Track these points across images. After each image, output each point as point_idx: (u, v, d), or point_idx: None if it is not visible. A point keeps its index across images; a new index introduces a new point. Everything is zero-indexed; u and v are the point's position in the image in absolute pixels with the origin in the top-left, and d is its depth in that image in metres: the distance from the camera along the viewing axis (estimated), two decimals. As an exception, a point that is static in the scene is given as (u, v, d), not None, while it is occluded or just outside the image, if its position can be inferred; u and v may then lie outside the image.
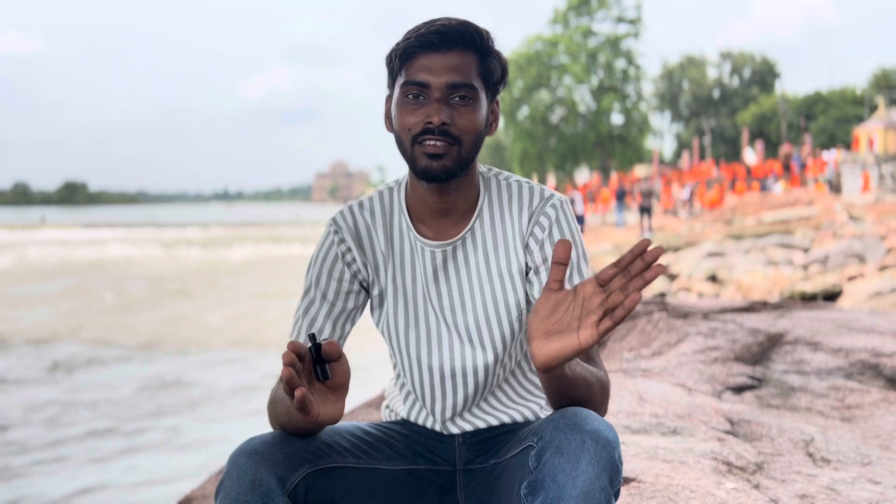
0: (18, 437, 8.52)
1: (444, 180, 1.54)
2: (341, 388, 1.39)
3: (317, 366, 1.38)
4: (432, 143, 1.50)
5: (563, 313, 1.32)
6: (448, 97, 1.51)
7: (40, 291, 22.31)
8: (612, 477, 1.35)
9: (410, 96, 1.52)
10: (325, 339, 1.39)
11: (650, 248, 1.26)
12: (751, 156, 41.42)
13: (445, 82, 1.51)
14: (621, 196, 30.23)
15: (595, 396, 1.48)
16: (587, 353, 1.53)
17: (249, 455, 1.42)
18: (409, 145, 1.54)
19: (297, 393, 1.29)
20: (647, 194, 25.69)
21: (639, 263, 1.27)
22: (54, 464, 7.64)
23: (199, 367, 12.11)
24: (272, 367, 11.77)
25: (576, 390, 1.44)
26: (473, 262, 1.63)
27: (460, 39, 1.52)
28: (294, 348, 1.32)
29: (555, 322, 1.32)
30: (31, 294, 21.69)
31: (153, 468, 7.45)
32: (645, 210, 25.52)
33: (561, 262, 1.33)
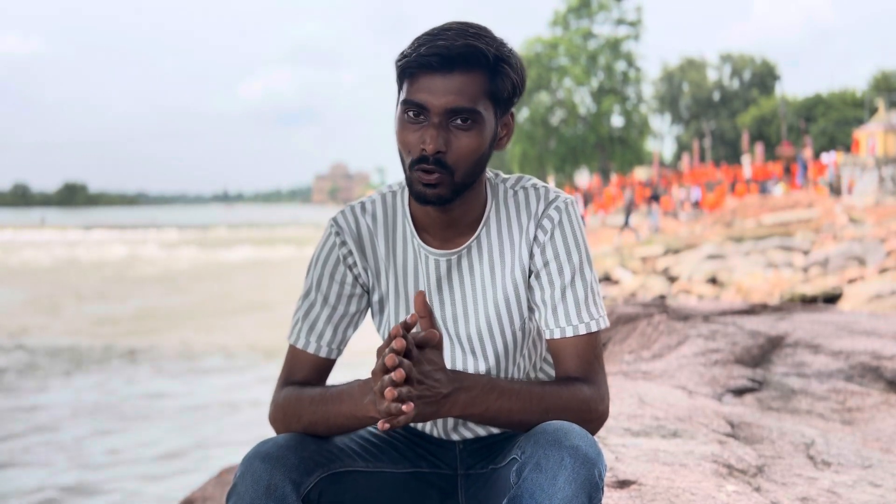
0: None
1: (439, 205, 1.49)
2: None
3: None
4: (425, 174, 1.45)
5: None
6: (447, 121, 1.44)
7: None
8: (592, 494, 1.33)
9: (410, 114, 1.45)
10: (418, 333, 1.41)
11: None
12: (747, 166, 41.24)
13: (444, 106, 1.42)
14: (656, 198, 29.87)
15: (542, 414, 1.45)
16: (567, 364, 1.52)
17: (264, 459, 1.41)
18: (407, 166, 1.49)
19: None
20: (629, 202, 26.39)
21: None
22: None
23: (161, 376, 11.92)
24: (242, 377, 11.61)
25: (500, 422, 1.46)
26: (478, 272, 1.59)
27: (463, 61, 1.41)
28: (403, 333, 1.35)
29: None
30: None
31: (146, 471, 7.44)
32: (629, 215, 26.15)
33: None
